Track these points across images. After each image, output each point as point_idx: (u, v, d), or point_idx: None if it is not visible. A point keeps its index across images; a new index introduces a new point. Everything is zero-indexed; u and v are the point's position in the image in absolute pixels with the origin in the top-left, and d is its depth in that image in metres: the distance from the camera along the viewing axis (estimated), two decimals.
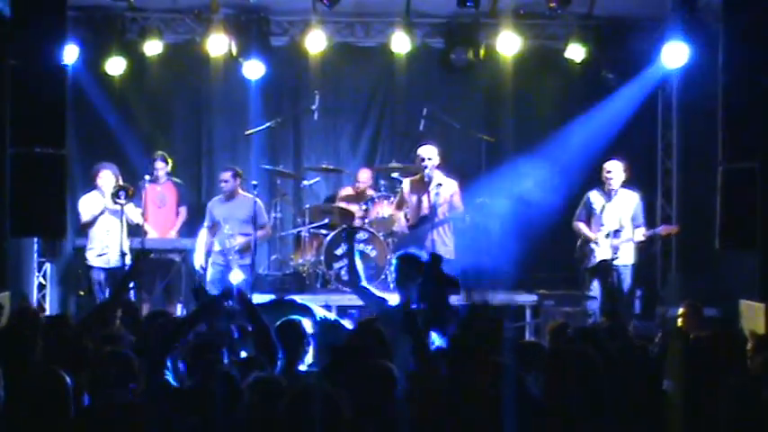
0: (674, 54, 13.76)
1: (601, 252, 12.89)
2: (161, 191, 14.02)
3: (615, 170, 13.03)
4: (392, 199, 13.68)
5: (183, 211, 14.28)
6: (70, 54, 12.66)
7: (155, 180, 13.91)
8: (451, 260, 12.61)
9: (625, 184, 13.13)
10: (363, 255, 13.27)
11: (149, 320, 8.90)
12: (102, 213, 13.13)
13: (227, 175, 13.65)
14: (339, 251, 13.50)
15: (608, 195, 13.04)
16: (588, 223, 13.06)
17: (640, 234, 13.09)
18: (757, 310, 11.52)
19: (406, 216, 13.12)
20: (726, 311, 12.55)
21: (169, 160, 14.09)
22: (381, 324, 7.59)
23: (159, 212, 13.97)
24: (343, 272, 13.32)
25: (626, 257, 12.94)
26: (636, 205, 13.17)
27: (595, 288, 13.04)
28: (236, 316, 7.86)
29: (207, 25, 14.08)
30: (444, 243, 12.63)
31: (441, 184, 12.74)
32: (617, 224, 12.88)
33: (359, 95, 15.68)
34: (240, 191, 13.65)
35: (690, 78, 14.22)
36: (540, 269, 14.46)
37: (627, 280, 12.98)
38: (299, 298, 13.01)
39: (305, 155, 15.47)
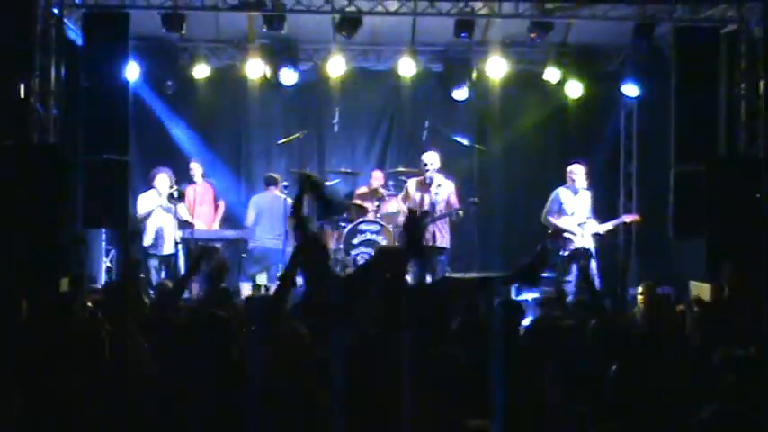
0: (631, 90, 14.21)
1: (578, 240, 12.87)
2: (200, 191, 14.03)
3: (579, 171, 13.02)
4: (400, 195, 13.69)
5: (222, 204, 14.29)
6: (132, 77, 12.74)
7: (193, 182, 13.98)
8: (447, 248, 12.71)
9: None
10: (374, 243, 13.33)
11: None
12: (154, 210, 13.13)
13: None
14: (356, 240, 13.53)
15: (574, 192, 13.03)
16: (557, 217, 13.02)
17: (606, 226, 13.14)
18: (704, 289, 11.55)
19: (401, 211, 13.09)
20: (678, 291, 12.59)
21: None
22: None
23: (200, 209, 13.92)
24: (359, 258, 13.36)
25: (588, 244, 12.88)
26: (589, 204, 13.17)
27: (573, 272, 12.75)
28: None
29: (245, 52, 14.13)
30: (442, 234, 12.70)
31: (440, 185, 12.79)
32: (582, 217, 12.91)
33: (371, 111, 15.67)
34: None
35: (647, 96, 14.28)
36: (520, 255, 14.50)
37: (591, 264, 12.93)
38: None
39: (327, 160, 15.47)
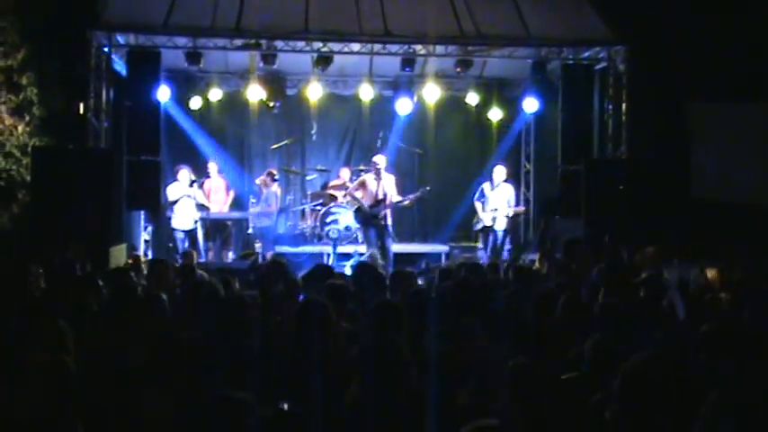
0: (530, 105, 13.69)
1: (485, 220, 12.95)
2: (215, 183, 13.94)
3: (497, 171, 13.02)
4: (354, 184, 13.40)
5: (232, 193, 14.19)
6: (163, 98, 12.58)
7: (209, 176, 13.87)
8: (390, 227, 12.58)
9: (506, 180, 13.12)
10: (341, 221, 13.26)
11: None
12: (181, 197, 13.01)
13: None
14: (329, 219, 13.47)
15: (493, 186, 13.04)
16: (481, 203, 13.06)
17: (510, 211, 13.14)
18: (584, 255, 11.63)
19: (361, 197, 12.87)
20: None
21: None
22: None
23: (215, 197, 13.89)
24: (331, 233, 13.28)
25: (501, 225, 12.95)
26: (510, 194, 13.15)
27: (482, 243, 13.13)
28: None
29: (247, 81, 14.01)
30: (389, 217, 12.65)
31: (383, 179, 12.68)
32: (496, 204, 12.92)
33: (340, 125, 15.59)
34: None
35: (542, 114, 14.29)
36: (450, 229, 14.53)
37: (501, 238, 12.99)
38: (305, 248, 13.20)
39: (307, 160, 15.39)
